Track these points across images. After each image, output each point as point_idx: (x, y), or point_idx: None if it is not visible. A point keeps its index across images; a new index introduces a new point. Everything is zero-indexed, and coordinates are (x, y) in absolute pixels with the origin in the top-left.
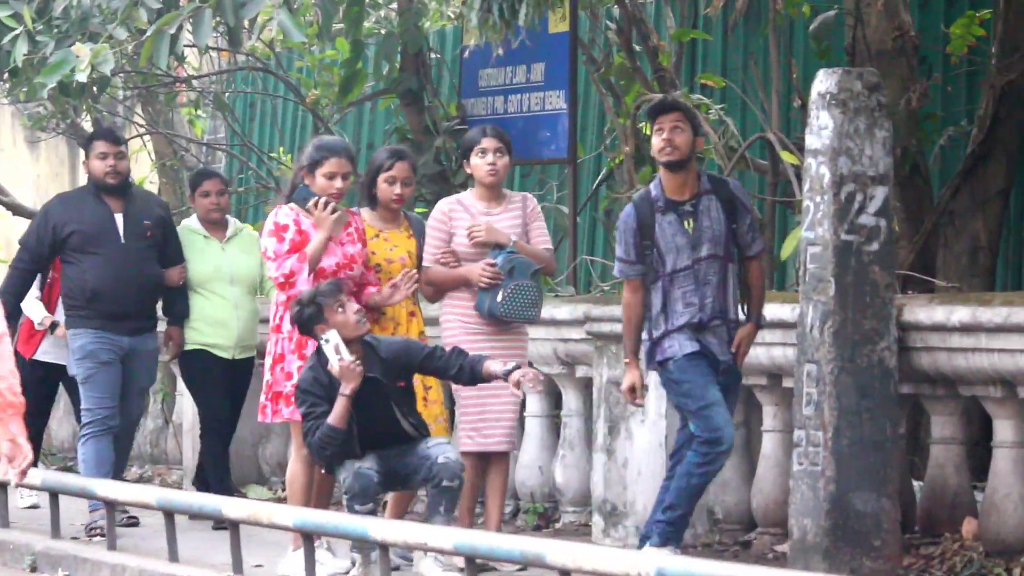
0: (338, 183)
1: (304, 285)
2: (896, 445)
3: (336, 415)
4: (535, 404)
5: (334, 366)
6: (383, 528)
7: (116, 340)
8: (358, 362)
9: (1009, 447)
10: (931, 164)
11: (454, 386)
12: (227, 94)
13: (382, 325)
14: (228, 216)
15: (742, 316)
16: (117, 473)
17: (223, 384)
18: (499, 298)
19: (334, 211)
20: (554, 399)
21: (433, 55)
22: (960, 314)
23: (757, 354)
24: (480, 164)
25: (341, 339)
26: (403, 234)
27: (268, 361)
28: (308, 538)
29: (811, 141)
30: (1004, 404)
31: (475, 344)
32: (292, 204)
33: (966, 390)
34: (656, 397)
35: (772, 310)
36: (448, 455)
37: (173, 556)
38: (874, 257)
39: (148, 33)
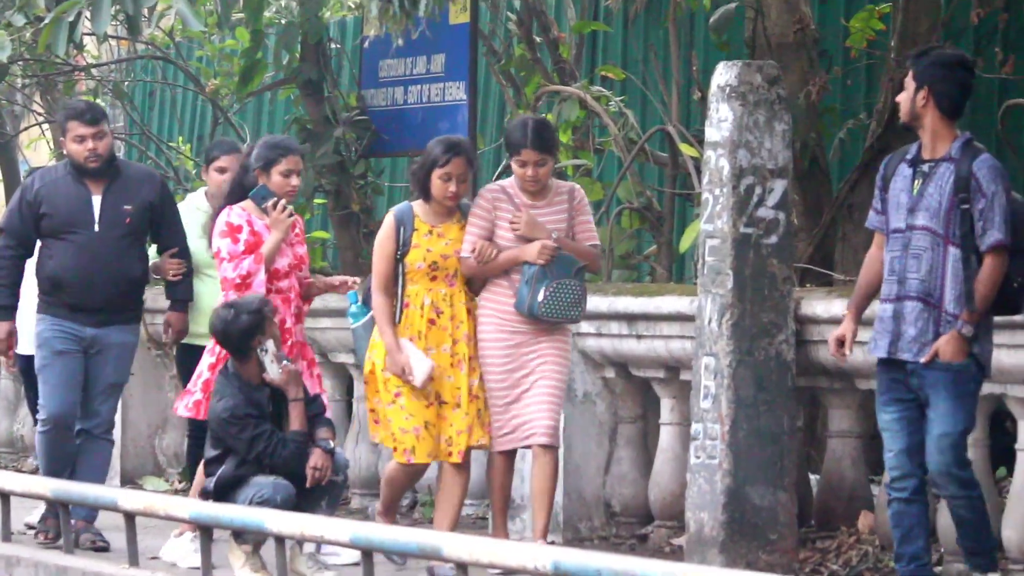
0: (294, 180)
1: (260, 287)
2: (793, 438)
3: (298, 422)
4: None
5: (274, 375)
6: (279, 520)
7: (77, 330)
8: (295, 363)
9: None
10: (830, 157)
11: (485, 377)
12: (126, 83)
13: (441, 326)
14: None
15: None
16: (99, 478)
17: None
18: (540, 297)
19: (289, 213)
20: None
21: (333, 45)
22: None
23: (655, 346)
24: (519, 173)
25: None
26: (457, 226)
27: (209, 359)
28: (206, 530)
29: (711, 134)
30: None
31: (513, 344)
32: (244, 204)
33: (863, 383)
34: (578, 374)
35: (670, 302)
36: (330, 446)
37: (68, 548)
38: (773, 250)
39: (46, 20)
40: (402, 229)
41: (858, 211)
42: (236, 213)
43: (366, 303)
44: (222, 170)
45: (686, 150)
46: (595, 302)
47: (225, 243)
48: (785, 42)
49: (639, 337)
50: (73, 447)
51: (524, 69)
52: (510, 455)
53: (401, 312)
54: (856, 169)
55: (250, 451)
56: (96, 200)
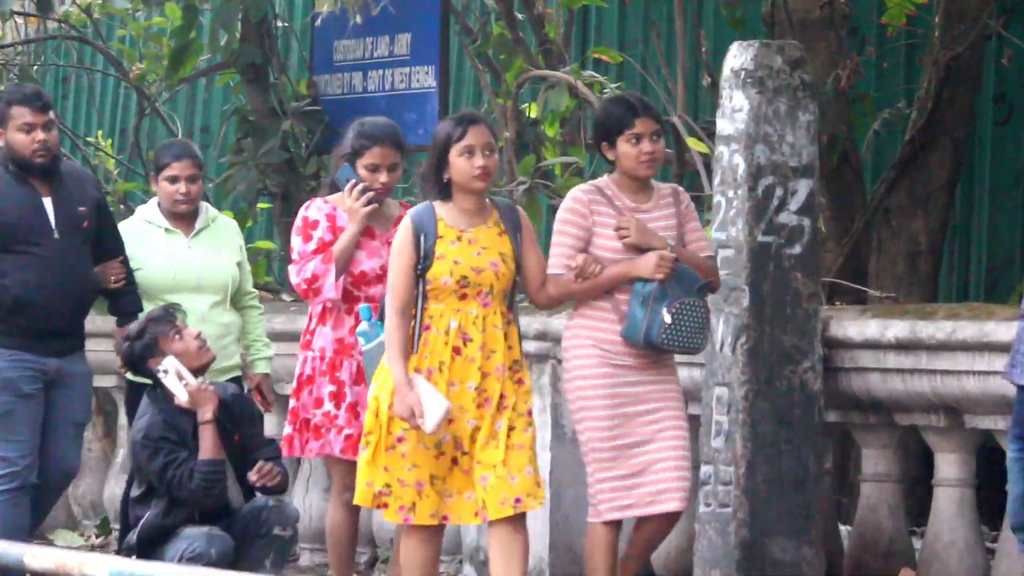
0: (383, 177)
1: (331, 292)
2: (820, 483)
3: (207, 448)
4: None
5: (181, 396)
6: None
7: (40, 364)
8: (206, 382)
9: (953, 486)
10: (863, 153)
11: (584, 426)
12: (35, 67)
13: (468, 356)
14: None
15: None
16: (34, 525)
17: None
18: (666, 319)
19: (369, 203)
20: None
21: (280, 23)
22: (896, 329)
23: None
24: (632, 153)
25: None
26: (492, 230)
27: (294, 384)
28: None
29: (723, 126)
30: (947, 435)
31: (617, 382)
32: (333, 196)
33: (903, 418)
34: (539, 426)
35: None
36: (280, 498)
37: None
38: (796, 262)
39: None
40: (423, 237)
41: (896, 216)
42: (316, 206)
43: (382, 320)
44: (174, 179)
45: (694, 145)
46: None
47: (297, 241)
48: (810, 18)
49: None
50: (27, 514)
51: (504, 51)
52: (616, 526)
53: (419, 337)
54: (893, 167)
55: (161, 481)
56: (48, 203)
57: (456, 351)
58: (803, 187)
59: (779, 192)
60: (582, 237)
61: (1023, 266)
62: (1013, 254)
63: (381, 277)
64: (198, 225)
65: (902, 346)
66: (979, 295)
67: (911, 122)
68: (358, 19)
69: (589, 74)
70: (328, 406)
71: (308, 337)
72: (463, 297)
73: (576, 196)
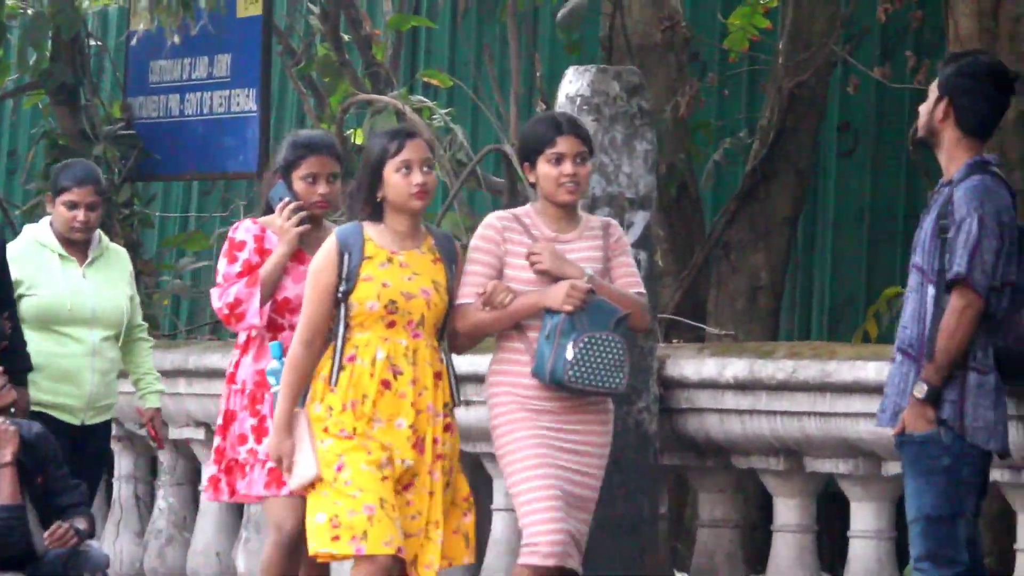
0: (321, 187)
1: (255, 318)
2: (655, 527)
3: (4, 492)
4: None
5: None
6: None
7: None
8: (6, 421)
9: (792, 531)
10: (703, 184)
11: (509, 476)
12: None
13: (398, 391)
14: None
15: None
16: None
17: (66, 461)
18: (568, 355)
19: (301, 221)
20: None
21: (93, 42)
22: (735, 368)
23: (481, 416)
24: (552, 174)
25: None
26: (426, 256)
27: (219, 421)
28: None
29: None
30: (787, 479)
31: (538, 430)
32: (265, 218)
33: (742, 461)
34: None
35: None
36: (89, 543)
37: None
38: None
39: None
40: (347, 256)
41: (736, 250)
42: (244, 227)
43: None
44: (73, 205)
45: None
46: None
47: (221, 264)
48: (649, 43)
49: (467, 404)
50: None
51: (329, 74)
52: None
53: (341, 369)
54: (734, 199)
55: None
56: None
57: (385, 384)
58: (640, 219)
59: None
60: (494, 266)
61: (867, 304)
62: (856, 291)
63: None
64: (92, 254)
65: (741, 386)
66: (821, 333)
67: (753, 152)
68: (176, 39)
69: (418, 99)
70: (251, 441)
71: (232, 370)
72: (391, 325)
73: (489, 223)
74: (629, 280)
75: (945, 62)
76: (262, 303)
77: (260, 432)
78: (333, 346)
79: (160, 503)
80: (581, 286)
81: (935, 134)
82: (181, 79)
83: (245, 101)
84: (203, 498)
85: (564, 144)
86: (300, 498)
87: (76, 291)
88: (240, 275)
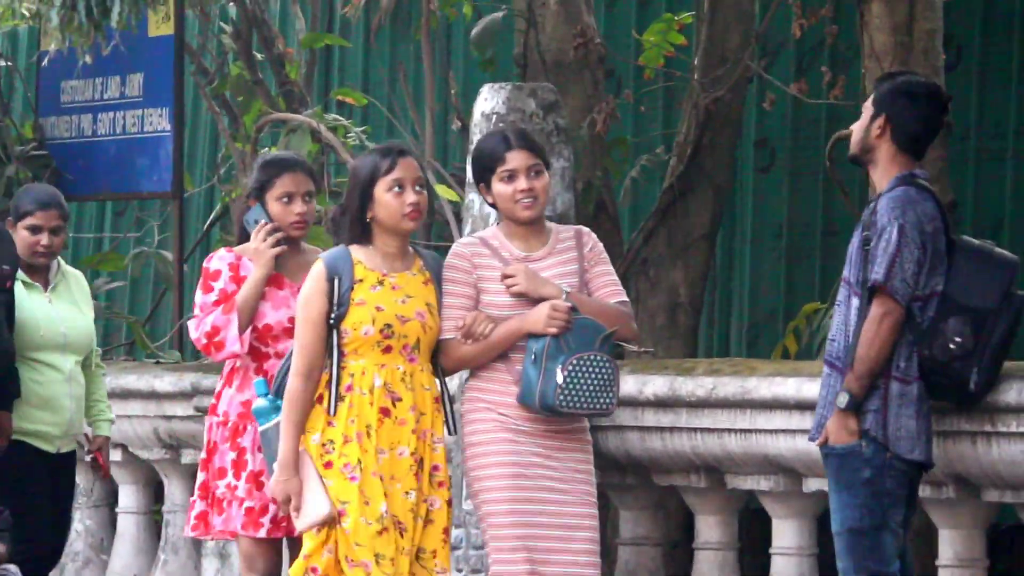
0: (298, 207)
1: (235, 345)
2: None
3: None
4: (129, 497)
5: None
6: None
7: None
8: None
9: (714, 548)
10: (620, 201)
11: (485, 507)
12: None
13: (398, 418)
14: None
15: None
16: None
17: (46, 491)
18: (559, 379)
19: (277, 243)
20: (153, 491)
21: (3, 62)
22: (655, 385)
23: None
24: (507, 192)
25: None
26: (417, 278)
27: (202, 455)
28: None
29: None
30: (708, 496)
31: (518, 455)
32: (235, 247)
33: (663, 479)
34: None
35: None
36: (6, 567)
37: None
38: None
39: None
40: (337, 281)
41: (654, 266)
42: (219, 255)
43: (279, 394)
44: (36, 229)
45: (443, 192)
46: None
47: (198, 295)
48: (564, 60)
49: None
50: None
51: (242, 93)
52: None
53: (338, 400)
54: (652, 215)
55: None
56: None
57: (384, 412)
58: None
59: None
60: (469, 295)
61: (786, 319)
62: (775, 307)
63: (289, 331)
64: (53, 279)
65: (661, 403)
66: (741, 349)
67: (670, 168)
68: (87, 59)
69: (333, 117)
70: (229, 476)
71: (214, 401)
72: (387, 350)
73: (456, 252)
74: (610, 290)
75: (879, 80)
76: (241, 330)
77: (239, 467)
78: (328, 375)
79: (77, 525)
80: (562, 306)
81: (870, 151)
82: (93, 99)
83: (158, 121)
84: (186, 531)
85: (515, 159)
86: (274, 541)
87: (46, 317)
88: (216, 303)
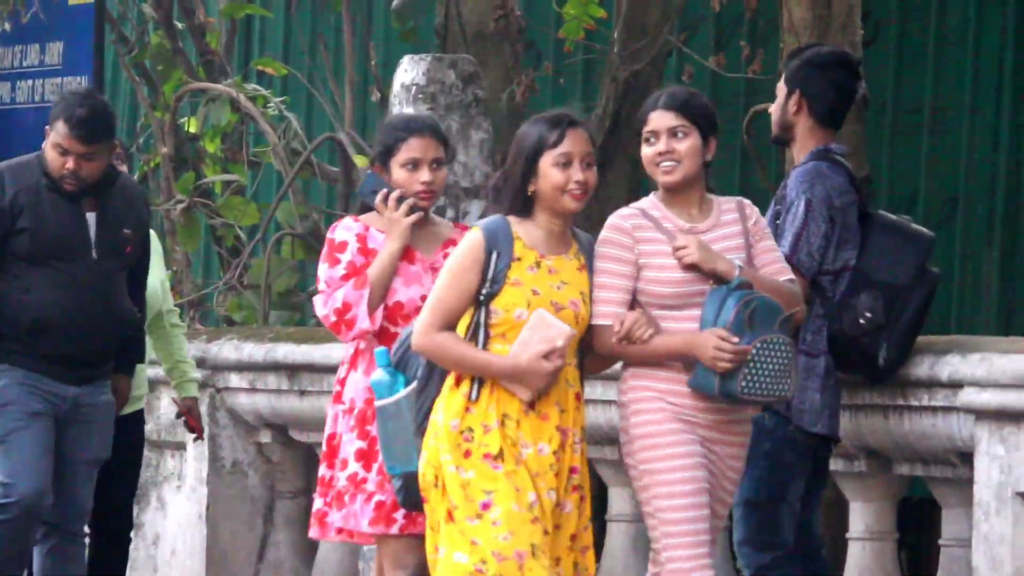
0: (424, 175)
1: (365, 322)
2: None
3: None
4: None
5: None
6: None
7: (57, 389)
8: None
9: (626, 521)
10: None
11: (638, 485)
12: None
13: (542, 412)
14: None
15: None
16: None
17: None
18: (744, 368)
19: (412, 211)
20: None
21: None
22: None
23: (322, 404)
24: (650, 154)
25: None
26: (573, 262)
27: (323, 448)
28: None
29: None
30: (620, 468)
31: (691, 445)
32: (360, 216)
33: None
34: (195, 458)
35: (341, 351)
36: None
37: None
38: None
39: None
40: (495, 256)
41: None
42: (344, 225)
43: (400, 367)
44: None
45: (362, 163)
46: (248, 350)
47: (323, 269)
48: (484, 31)
49: (302, 393)
50: (31, 545)
51: (162, 62)
52: None
53: (479, 385)
54: None
55: None
56: (91, 219)
57: (530, 406)
58: (475, 208)
59: (450, 213)
60: (629, 275)
61: None
62: None
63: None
64: None
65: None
66: None
67: None
68: (7, 26)
69: (252, 87)
70: (355, 466)
71: (338, 388)
72: None
73: (615, 224)
74: (778, 267)
75: (788, 57)
76: (373, 307)
77: (369, 458)
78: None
79: None
80: (729, 345)
81: (789, 128)
82: (12, 67)
83: (78, 89)
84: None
85: (658, 118)
86: (419, 537)
87: None
88: (345, 278)
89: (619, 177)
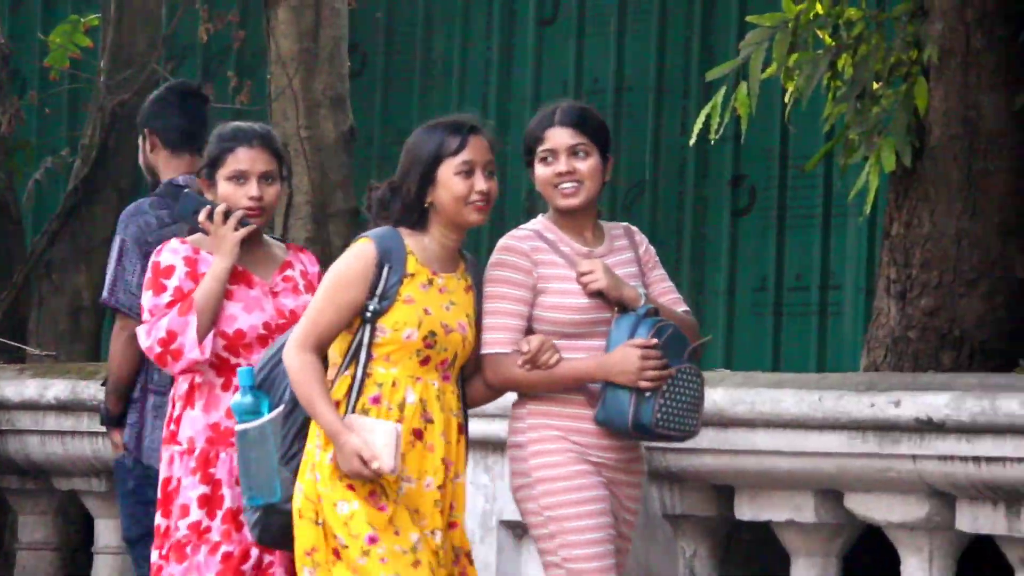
0: (252, 189)
1: (194, 352)
2: None
3: None
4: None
5: None
6: None
7: None
8: None
9: (112, 553)
10: (24, 203)
11: (536, 533)
12: None
13: (428, 443)
14: None
15: None
16: None
17: None
18: (660, 398)
19: (241, 224)
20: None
21: None
22: (57, 389)
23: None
24: (547, 175)
25: None
26: (461, 282)
27: (158, 495)
28: None
29: None
30: (107, 500)
31: (597, 485)
32: (188, 237)
33: (63, 483)
34: None
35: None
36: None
37: None
38: None
39: None
40: (387, 270)
41: (58, 270)
42: (170, 247)
43: (264, 388)
44: None
45: None
46: None
47: (147, 297)
48: None
49: None
50: None
51: None
52: None
53: (360, 412)
54: (56, 218)
55: None
56: None
57: (417, 434)
58: None
59: None
60: (527, 300)
61: None
62: None
63: (265, 339)
64: None
65: (63, 407)
66: None
67: (75, 171)
68: None
69: None
70: (197, 514)
71: (172, 427)
72: (425, 361)
73: (510, 246)
74: (673, 297)
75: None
76: (202, 333)
77: (212, 504)
78: (349, 379)
79: None
80: (653, 359)
81: (156, 172)
82: None
83: None
84: None
85: (553, 136)
86: None
87: None
88: (170, 305)
89: (106, 207)
